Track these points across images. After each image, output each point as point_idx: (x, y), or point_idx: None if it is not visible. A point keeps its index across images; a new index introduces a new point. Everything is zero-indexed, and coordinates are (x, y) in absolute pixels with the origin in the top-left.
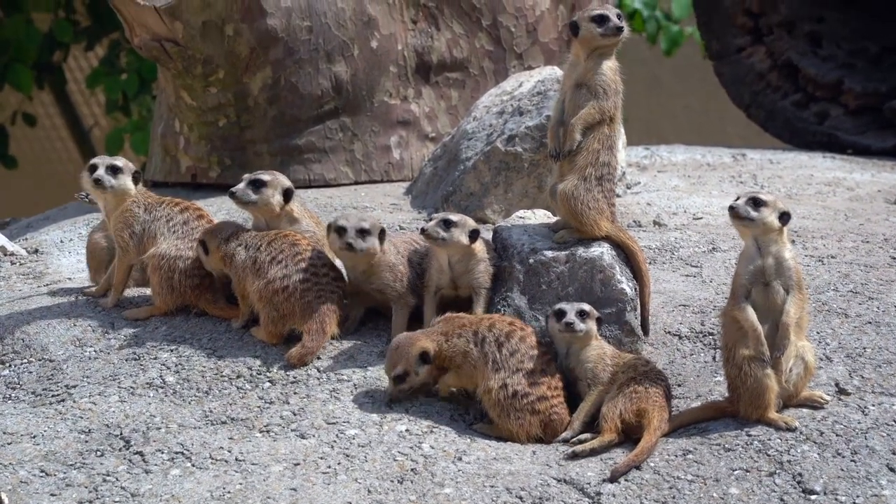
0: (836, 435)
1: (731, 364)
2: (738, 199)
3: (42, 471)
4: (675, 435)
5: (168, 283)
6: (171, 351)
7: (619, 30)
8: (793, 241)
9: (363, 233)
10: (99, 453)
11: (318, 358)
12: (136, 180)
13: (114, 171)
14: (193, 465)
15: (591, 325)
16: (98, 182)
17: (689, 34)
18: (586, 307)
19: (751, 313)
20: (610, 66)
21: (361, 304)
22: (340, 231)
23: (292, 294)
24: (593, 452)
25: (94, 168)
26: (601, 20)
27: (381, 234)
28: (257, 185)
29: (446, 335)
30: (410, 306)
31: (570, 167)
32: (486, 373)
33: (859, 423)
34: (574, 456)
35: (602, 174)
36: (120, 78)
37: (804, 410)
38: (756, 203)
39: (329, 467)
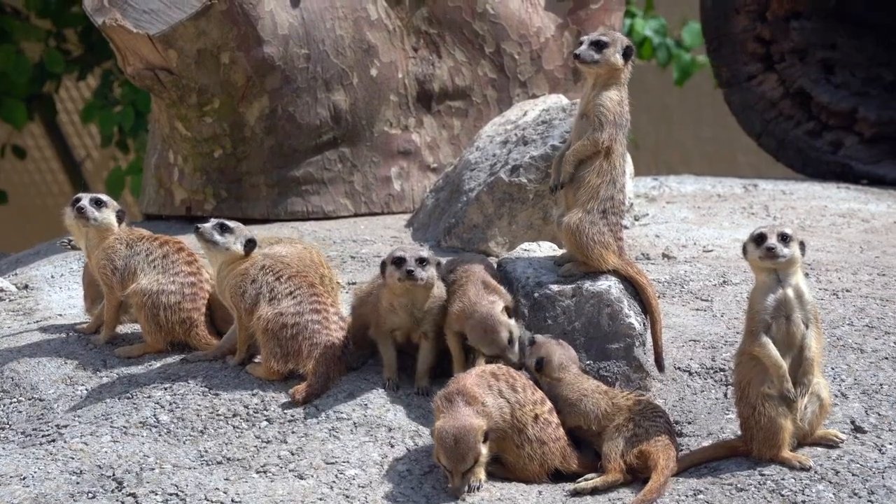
0: (852, 474)
1: (744, 403)
2: (768, 238)
3: None
4: (686, 474)
5: (154, 321)
6: (165, 389)
7: (576, 56)
8: (806, 275)
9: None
10: (91, 495)
11: (310, 402)
12: (119, 219)
13: (97, 204)
14: None
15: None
16: (81, 211)
17: (701, 64)
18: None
19: (773, 349)
20: (611, 97)
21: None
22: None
23: (300, 332)
24: (595, 491)
25: (77, 201)
26: (579, 46)
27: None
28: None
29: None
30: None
31: (573, 200)
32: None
33: (876, 462)
34: (575, 493)
35: (606, 208)
36: (114, 111)
37: (819, 449)
38: (784, 239)
39: None
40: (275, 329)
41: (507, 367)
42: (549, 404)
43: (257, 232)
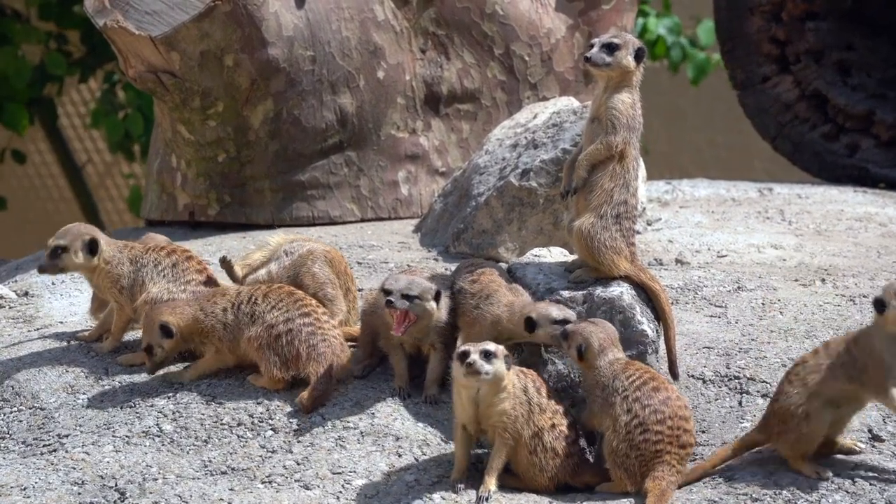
0: (870, 484)
1: (807, 402)
2: None
3: None
4: (700, 484)
5: None
6: (168, 398)
7: (587, 60)
8: (822, 280)
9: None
10: None
11: (322, 404)
12: (91, 251)
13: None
14: None
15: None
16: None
17: (717, 61)
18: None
19: None
20: (622, 99)
21: (376, 354)
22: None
23: (296, 337)
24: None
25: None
26: (589, 49)
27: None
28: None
29: None
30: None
31: (585, 205)
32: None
33: (894, 471)
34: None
35: (619, 212)
36: (118, 118)
37: (836, 458)
38: None
39: None
40: (269, 342)
41: (534, 371)
42: (570, 419)
43: (262, 237)
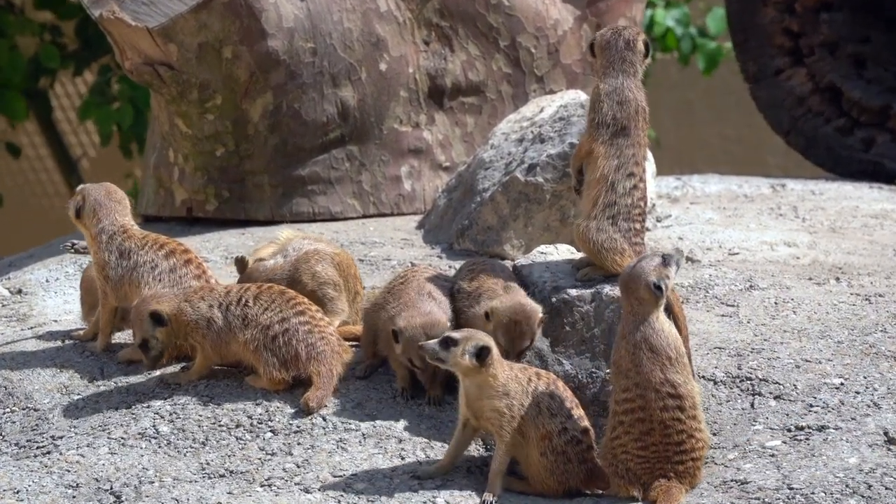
0: (886, 488)
1: None
2: None
3: None
4: (712, 488)
5: None
6: (165, 399)
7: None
8: (837, 279)
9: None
10: None
11: (325, 405)
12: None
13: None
14: None
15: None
16: None
17: (728, 50)
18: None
19: None
20: (595, 92)
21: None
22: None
23: (293, 336)
24: None
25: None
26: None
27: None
28: None
29: None
30: None
31: (581, 205)
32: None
33: None
34: None
35: (612, 214)
36: (111, 108)
37: (851, 460)
38: None
39: None
40: (266, 344)
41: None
42: (584, 425)
43: (262, 233)
